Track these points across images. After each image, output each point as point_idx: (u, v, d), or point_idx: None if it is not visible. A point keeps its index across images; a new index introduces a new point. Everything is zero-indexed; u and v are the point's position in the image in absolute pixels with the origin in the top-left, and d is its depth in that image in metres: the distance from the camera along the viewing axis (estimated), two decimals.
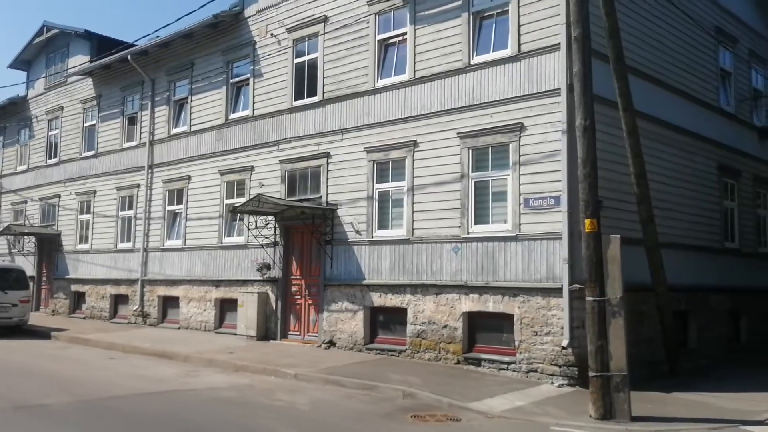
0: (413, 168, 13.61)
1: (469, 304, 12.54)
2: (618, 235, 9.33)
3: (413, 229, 13.49)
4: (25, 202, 25.20)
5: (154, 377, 11.91)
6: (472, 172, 12.78)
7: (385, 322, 14.03)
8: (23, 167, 25.81)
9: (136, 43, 20.47)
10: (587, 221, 9.31)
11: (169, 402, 9.81)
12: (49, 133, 24.57)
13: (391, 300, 13.73)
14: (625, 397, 9.06)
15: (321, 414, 9.34)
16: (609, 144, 12.19)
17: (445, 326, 12.81)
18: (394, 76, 14.24)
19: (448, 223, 12.96)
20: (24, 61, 25.77)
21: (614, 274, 9.25)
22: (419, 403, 10.02)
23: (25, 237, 24.20)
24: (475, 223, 12.66)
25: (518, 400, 10.07)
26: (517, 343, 11.86)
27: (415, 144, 13.62)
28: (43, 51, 25.04)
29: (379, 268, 14.02)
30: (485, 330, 12.48)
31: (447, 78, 13.28)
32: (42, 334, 18.19)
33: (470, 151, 12.82)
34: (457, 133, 12.95)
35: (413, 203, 13.54)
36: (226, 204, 17.54)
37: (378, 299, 13.95)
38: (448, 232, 12.94)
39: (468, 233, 12.66)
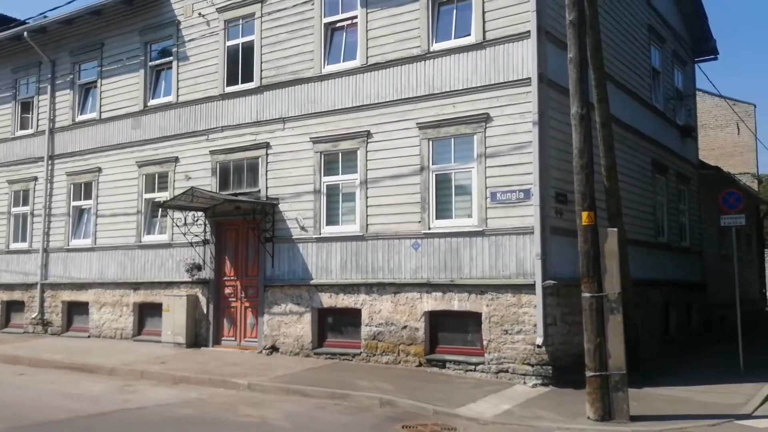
0: (366, 160, 12.79)
1: (432, 302, 11.90)
2: (615, 229, 9.05)
3: (367, 225, 12.68)
4: None
5: (87, 395, 10.37)
6: (432, 164, 12.16)
7: (335, 324, 13.12)
8: None
9: (28, 21, 18.21)
10: (584, 214, 8.93)
11: (122, 425, 8.44)
12: None
13: (343, 300, 12.84)
14: (624, 396, 8.75)
15: (307, 430, 8.36)
16: (568, 135, 11.98)
17: (405, 327, 12.11)
18: (344, 62, 13.37)
19: (407, 218, 12.26)
20: None
21: (612, 268, 8.93)
22: (401, 411, 9.27)
23: None
24: (437, 218, 12.06)
25: (502, 403, 9.57)
26: (485, 342, 11.36)
27: (368, 134, 12.81)
28: None
29: (328, 267, 13.09)
30: (449, 330, 11.90)
31: (404, 65, 12.58)
32: None
33: (430, 142, 12.20)
34: (416, 123, 12.29)
35: (367, 197, 12.73)
36: (146, 198, 15.89)
37: (328, 300, 13.02)
38: (407, 228, 12.24)
39: (429, 228, 12.02)
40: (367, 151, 12.81)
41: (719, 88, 55.07)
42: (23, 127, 18.69)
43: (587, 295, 8.91)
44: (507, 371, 11.13)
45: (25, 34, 17.47)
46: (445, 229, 11.91)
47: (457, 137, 11.99)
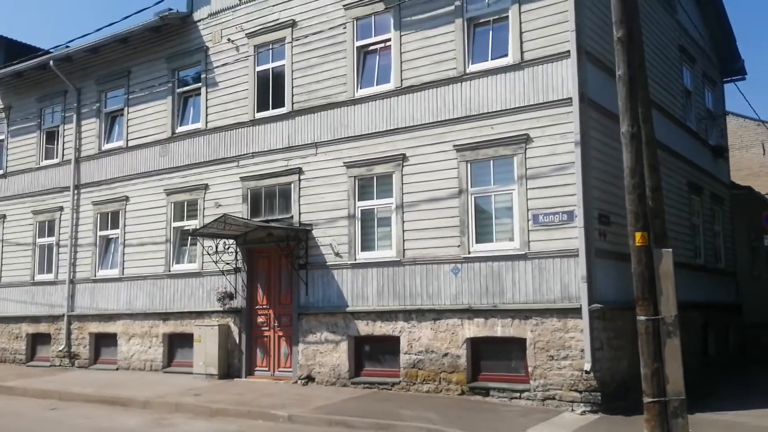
0: (402, 183, 12.57)
1: (474, 329, 11.58)
2: (670, 249, 8.75)
3: (404, 250, 12.42)
4: None
5: (123, 429, 10.08)
6: (471, 186, 11.93)
7: (373, 352, 12.79)
8: None
9: (52, 50, 18.13)
10: (638, 234, 8.63)
11: None
12: None
13: (381, 328, 12.53)
14: (684, 423, 8.36)
15: None
16: (609, 156, 11.82)
17: (446, 354, 11.77)
18: (377, 85, 13.22)
19: (446, 242, 11.99)
20: None
21: (667, 290, 8.61)
22: None
23: None
24: (477, 242, 11.79)
25: None
26: (530, 369, 11.00)
27: (404, 158, 12.61)
28: None
29: (364, 294, 12.80)
30: (492, 357, 11.55)
31: (439, 87, 12.41)
32: None
33: (468, 165, 11.97)
34: (454, 146, 12.08)
35: (404, 221, 12.48)
36: (174, 227, 15.69)
37: (364, 327, 12.71)
38: (446, 252, 11.97)
39: (469, 252, 11.75)
40: (402, 175, 12.59)
41: (745, 108, 54.58)
42: (48, 156, 18.59)
43: (643, 318, 8.57)
44: (554, 398, 10.75)
45: (51, 62, 17.45)
46: (485, 253, 11.63)
47: (497, 159, 11.76)
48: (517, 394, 11.07)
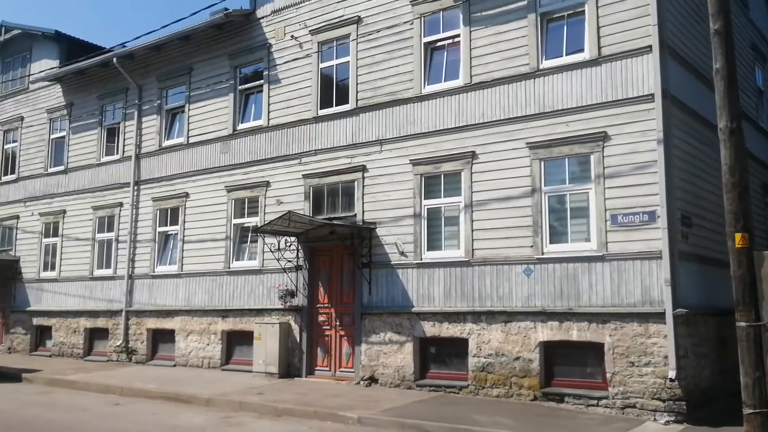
0: (471, 182, 12.26)
1: (547, 332, 11.19)
2: None
3: (473, 250, 12.10)
4: None
5: (192, 427, 9.95)
6: (545, 185, 11.55)
7: (438, 354, 12.49)
8: None
9: (113, 48, 18.27)
10: (738, 236, 8.17)
11: None
12: (5, 147, 21.81)
13: (448, 329, 12.23)
14: None
15: None
16: (689, 155, 11.38)
17: (517, 358, 11.41)
18: (445, 81, 12.95)
19: (517, 242, 11.64)
20: None
21: None
22: None
23: None
24: (551, 242, 11.41)
25: None
26: (608, 375, 10.57)
27: (473, 155, 12.30)
28: None
29: (430, 294, 12.52)
30: (567, 362, 11.14)
31: (511, 84, 12.08)
32: (9, 376, 15.56)
33: (542, 163, 11.61)
34: (526, 143, 11.73)
35: (473, 220, 12.17)
36: (235, 224, 15.64)
37: (430, 329, 12.42)
38: (518, 253, 11.62)
39: (542, 253, 11.38)
40: (471, 173, 12.29)
41: None
42: (108, 153, 18.73)
43: (743, 324, 8.09)
44: (634, 407, 10.30)
45: (114, 60, 17.60)
46: (560, 254, 11.25)
47: (572, 157, 11.38)
48: (594, 402, 10.64)
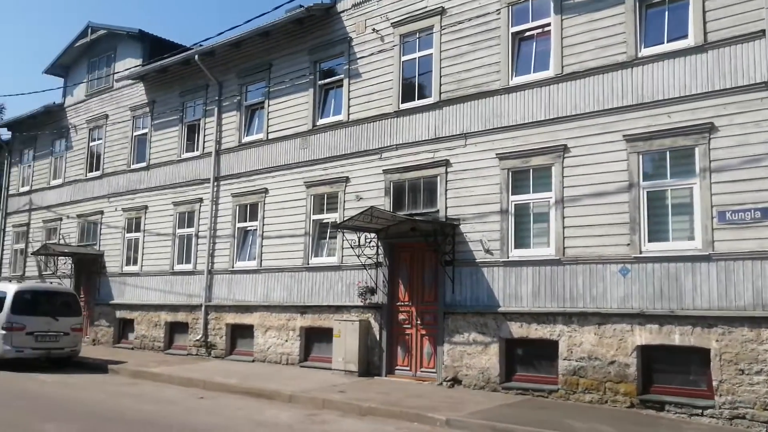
0: (563, 176, 11.72)
1: (646, 336, 10.55)
2: None
3: (564, 248, 11.56)
4: (60, 219, 22.99)
5: (280, 423, 9.79)
6: (643, 180, 10.91)
7: (526, 356, 12.00)
8: (58, 181, 23.61)
9: (194, 46, 18.48)
10: None
11: None
12: (91, 144, 22.47)
13: (536, 331, 11.72)
14: None
15: None
16: None
17: (612, 362, 10.81)
18: (534, 72, 12.45)
19: (613, 240, 11.04)
20: (62, 66, 23.76)
21: None
22: None
23: (59, 258, 21.97)
24: (650, 240, 10.76)
25: None
26: (715, 383, 9.87)
27: (564, 149, 11.76)
28: (84, 55, 23.06)
29: (517, 293, 12.04)
30: (667, 367, 10.46)
31: (606, 74, 11.48)
32: (96, 367, 15.94)
33: (640, 156, 10.97)
34: (623, 136, 11.11)
35: (564, 217, 11.63)
36: (314, 220, 15.53)
37: (518, 330, 11.94)
38: (613, 251, 11.01)
39: (640, 252, 10.74)
40: (563, 167, 11.74)
41: None
42: (189, 149, 18.99)
43: None
44: (744, 417, 9.57)
45: (196, 57, 17.81)
46: (659, 253, 10.59)
47: (674, 150, 10.70)
48: (698, 411, 9.95)
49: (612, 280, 11.00)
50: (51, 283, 20.14)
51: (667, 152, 10.76)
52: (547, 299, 11.67)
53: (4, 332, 14.98)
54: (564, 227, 11.61)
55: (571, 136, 11.73)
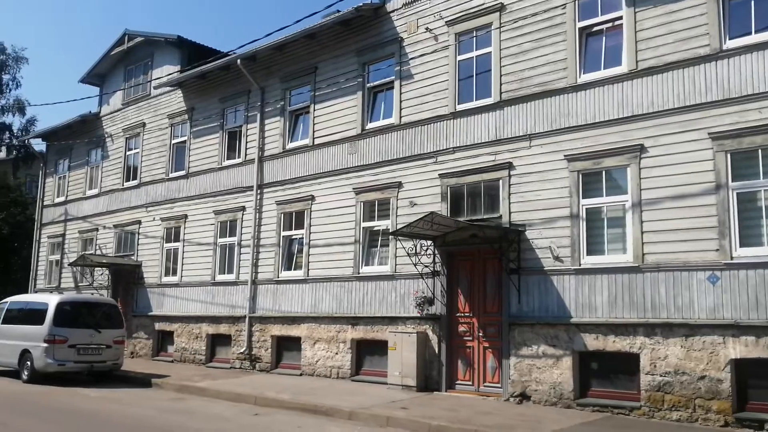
0: (640, 178, 10.98)
1: (740, 348, 9.74)
2: None
3: (643, 254, 10.79)
4: (96, 229, 22.60)
5: None
6: (732, 180, 10.13)
7: (602, 370, 11.21)
8: (94, 191, 23.23)
9: (231, 51, 17.99)
10: None
11: None
12: (127, 153, 22.08)
13: (614, 343, 10.94)
14: None
15: None
16: None
17: (703, 377, 10.00)
18: (605, 69, 11.74)
19: (699, 245, 10.25)
20: (98, 75, 23.46)
21: None
22: None
23: (96, 269, 21.55)
24: (742, 245, 9.96)
25: None
26: None
27: (641, 148, 11.02)
28: (120, 63, 22.74)
29: (592, 303, 11.28)
30: (766, 383, 9.66)
31: (686, 68, 10.75)
32: (139, 381, 15.40)
33: (728, 156, 10.19)
34: (708, 134, 10.35)
35: (642, 221, 10.87)
36: (363, 227, 14.90)
37: (593, 342, 11.17)
38: (699, 257, 10.23)
39: (731, 258, 9.95)
40: (639, 168, 11.00)
41: None
42: (230, 156, 18.49)
43: None
44: None
45: (238, 62, 17.32)
46: (753, 259, 9.79)
47: (766, 148, 9.93)
48: None
49: (699, 289, 10.21)
50: (92, 294, 19.70)
51: (759, 151, 9.98)
52: (626, 309, 10.89)
53: (45, 345, 14.52)
54: (642, 232, 10.85)
55: (648, 135, 10.99)
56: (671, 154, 10.70)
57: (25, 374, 14.87)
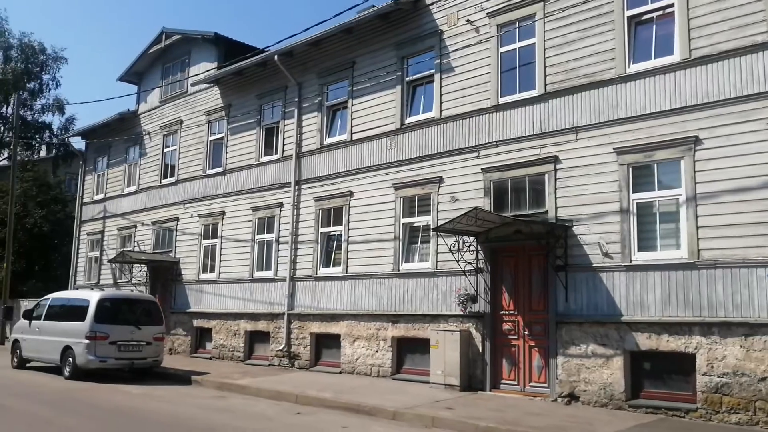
0: (694, 171, 10.55)
1: None
2: None
3: (699, 250, 10.37)
4: (135, 226, 22.76)
5: None
6: None
7: (655, 370, 10.81)
8: (132, 188, 23.40)
9: (267, 48, 17.74)
10: None
11: None
12: (165, 150, 22.17)
13: (668, 343, 10.54)
14: None
15: None
16: None
17: (764, 379, 9.56)
18: (656, 58, 11.32)
19: (760, 241, 9.80)
20: (136, 74, 23.61)
21: None
22: None
23: (135, 266, 21.69)
24: None
25: None
26: None
27: (696, 140, 10.59)
28: (158, 61, 22.85)
29: (643, 301, 10.89)
30: None
31: (744, 56, 10.29)
32: (178, 378, 15.40)
33: None
34: None
35: (697, 216, 10.45)
36: (403, 223, 14.67)
37: (645, 341, 10.78)
38: (761, 253, 9.78)
39: None
40: (694, 161, 10.57)
41: None
42: (267, 152, 18.39)
43: None
44: None
45: (276, 57, 17.19)
46: None
47: None
48: None
49: (760, 286, 9.76)
50: (131, 290, 19.81)
51: None
52: (680, 307, 10.48)
53: (87, 341, 14.57)
54: (698, 227, 10.43)
55: (703, 126, 10.55)
56: (728, 146, 10.26)
57: (66, 370, 14.95)
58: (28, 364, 16.94)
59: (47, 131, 37.89)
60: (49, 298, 16.86)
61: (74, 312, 15.27)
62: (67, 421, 10.11)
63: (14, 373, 16.17)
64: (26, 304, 26.35)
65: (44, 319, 16.17)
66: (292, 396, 12.66)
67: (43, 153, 39.13)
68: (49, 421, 10.10)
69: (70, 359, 14.86)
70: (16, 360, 17.03)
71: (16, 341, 17.16)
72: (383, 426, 10.28)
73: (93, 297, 15.20)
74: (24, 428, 9.53)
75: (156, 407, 11.63)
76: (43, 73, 37.23)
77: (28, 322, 16.75)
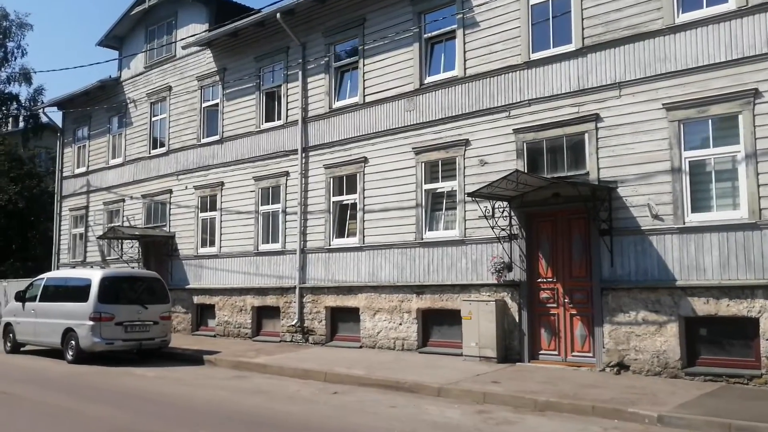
0: (754, 126, 9.98)
1: None
2: None
3: (760, 209, 9.85)
4: (123, 200, 21.54)
5: (454, 424, 8.27)
6: None
7: (712, 336, 10.34)
8: (118, 160, 22.10)
9: (264, 8, 16.78)
10: None
11: None
12: (153, 119, 20.90)
13: (728, 307, 10.05)
14: None
15: None
16: None
17: None
18: (708, 6, 10.65)
19: None
20: (117, 38, 22.15)
21: None
22: None
23: (125, 241, 20.58)
24: None
25: None
26: None
27: (755, 93, 9.99)
28: (140, 24, 21.45)
29: (699, 264, 10.36)
30: None
31: None
32: (189, 358, 14.53)
33: None
34: None
35: (758, 174, 9.90)
36: (426, 189, 13.91)
37: (702, 306, 10.28)
38: None
39: None
40: (754, 115, 9.99)
41: None
42: (269, 118, 17.36)
43: None
44: None
45: (278, 16, 16.06)
46: None
47: None
48: None
49: None
50: (132, 267, 18.73)
51: None
52: (740, 270, 9.98)
53: (92, 323, 13.60)
54: (759, 185, 9.90)
55: (763, 78, 9.96)
56: None
57: (69, 354, 13.98)
58: (22, 348, 15.91)
59: (14, 103, 35.94)
60: (43, 278, 15.76)
61: (74, 292, 14.26)
62: (94, 410, 9.21)
63: (9, 358, 15.16)
64: (5, 284, 25.11)
65: (39, 301, 15.12)
66: (320, 374, 11.93)
67: (9, 126, 37.21)
68: (73, 410, 9.22)
69: (73, 342, 13.88)
70: (9, 344, 15.98)
71: (8, 324, 16.08)
72: (432, 404, 9.61)
73: (95, 276, 14.17)
74: (48, 420, 8.64)
75: (182, 392, 10.77)
76: (7, 40, 35.16)
77: (21, 304, 15.66)
